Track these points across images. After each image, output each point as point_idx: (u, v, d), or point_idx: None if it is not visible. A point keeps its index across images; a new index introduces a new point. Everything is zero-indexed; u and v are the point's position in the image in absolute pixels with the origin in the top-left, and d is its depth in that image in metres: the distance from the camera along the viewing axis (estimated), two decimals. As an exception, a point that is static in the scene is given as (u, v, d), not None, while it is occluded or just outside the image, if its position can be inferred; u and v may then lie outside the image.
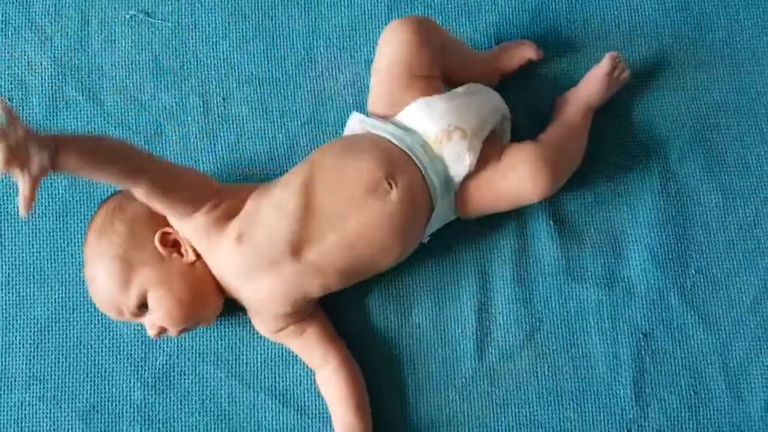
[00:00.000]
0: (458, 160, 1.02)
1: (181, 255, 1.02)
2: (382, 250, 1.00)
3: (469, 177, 1.03)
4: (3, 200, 1.14)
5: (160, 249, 1.01)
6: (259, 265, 0.99)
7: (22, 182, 0.82)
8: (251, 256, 0.99)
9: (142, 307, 1.00)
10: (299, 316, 1.05)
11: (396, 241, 1.00)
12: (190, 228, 1.01)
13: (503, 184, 1.04)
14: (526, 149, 1.05)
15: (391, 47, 1.03)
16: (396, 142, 1.01)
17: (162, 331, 1.01)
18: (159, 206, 0.97)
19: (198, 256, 1.02)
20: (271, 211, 0.99)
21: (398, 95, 1.04)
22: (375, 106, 1.07)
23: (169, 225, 1.02)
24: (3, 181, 1.14)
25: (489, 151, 1.04)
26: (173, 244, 1.02)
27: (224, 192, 1.02)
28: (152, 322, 1.01)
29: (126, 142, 0.95)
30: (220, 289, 1.04)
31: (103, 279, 1.00)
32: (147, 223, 1.02)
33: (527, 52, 1.15)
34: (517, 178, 1.03)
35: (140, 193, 0.94)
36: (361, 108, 1.15)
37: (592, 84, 1.13)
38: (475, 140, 1.02)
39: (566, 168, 1.09)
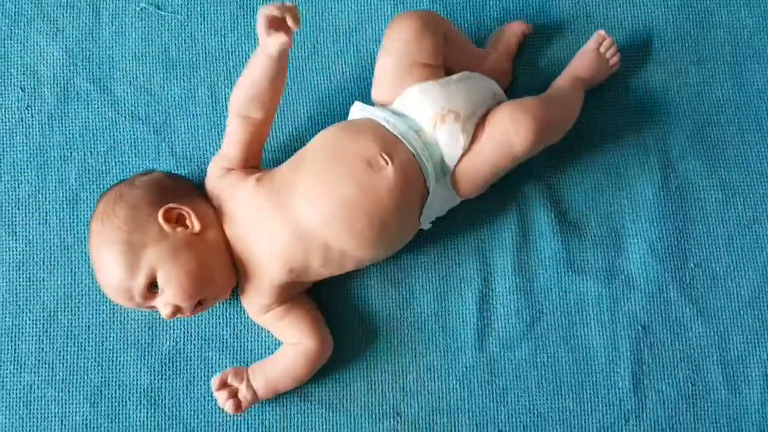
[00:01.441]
0: (452, 143, 1.03)
1: (186, 227, 1.02)
2: (375, 225, 1.00)
3: (461, 155, 1.04)
4: (14, 187, 1.16)
5: (164, 225, 1.00)
6: (272, 205, 1.01)
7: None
8: (267, 191, 1.02)
9: (152, 287, 1.00)
10: (291, 292, 1.07)
11: (391, 218, 1.01)
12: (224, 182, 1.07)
13: (491, 146, 1.04)
14: (505, 104, 1.06)
15: (395, 34, 1.06)
16: (389, 128, 1.03)
17: (176, 310, 1.00)
18: None
19: (204, 227, 1.03)
20: (285, 167, 1.05)
21: (399, 81, 1.06)
22: (377, 93, 1.09)
23: (171, 202, 1.03)
24: (14, 169, 1.16)
25: (479, 129, 1.05)
26: (177, 219, 1.02)
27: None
28: (165, 301, 0.99)
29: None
30: (231, 258, 1.04)
31: (110, 265, 0.99)
32: (148, 205, 1.02)
33: (516, 29, 1.18)
34: (502, 133, 1.03)
35: None
36: (367, 100, 1.17)
37: (579, 57, 1.16)
38: (468, 123, 1.04)
39: (551, 120, 1.07)
